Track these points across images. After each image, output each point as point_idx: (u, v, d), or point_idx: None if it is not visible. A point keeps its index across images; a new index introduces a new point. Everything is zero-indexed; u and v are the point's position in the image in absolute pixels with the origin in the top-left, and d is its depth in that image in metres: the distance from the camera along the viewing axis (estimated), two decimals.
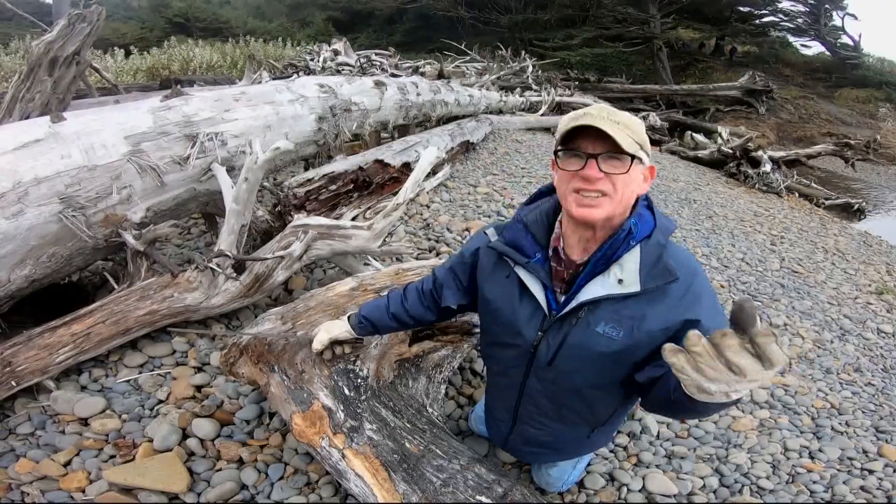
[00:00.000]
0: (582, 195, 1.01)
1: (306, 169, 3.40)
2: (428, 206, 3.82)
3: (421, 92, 5.23)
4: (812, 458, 2.14)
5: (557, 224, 1.16)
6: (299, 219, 2.19)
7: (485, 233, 1.26)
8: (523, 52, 14.55)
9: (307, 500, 1.49)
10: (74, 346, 1.70)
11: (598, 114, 0.99)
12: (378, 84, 4.27)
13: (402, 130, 5.27)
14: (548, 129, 9.07)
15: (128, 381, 1.79)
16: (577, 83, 15.62)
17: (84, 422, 1.62)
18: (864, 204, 8.97)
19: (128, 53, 13.73)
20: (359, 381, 1.45)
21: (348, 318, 1.44)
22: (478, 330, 2.00)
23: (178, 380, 1.79)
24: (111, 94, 5.75)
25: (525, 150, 6.70)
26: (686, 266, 1.06)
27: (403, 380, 1.64)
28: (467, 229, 3.50)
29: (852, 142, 10.96)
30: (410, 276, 1.86)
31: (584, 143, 1.00)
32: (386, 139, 5.00)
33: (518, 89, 11.25)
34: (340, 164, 3.12)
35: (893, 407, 2.77)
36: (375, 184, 3.24)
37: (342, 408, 1.35)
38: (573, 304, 1.08)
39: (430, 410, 1.61)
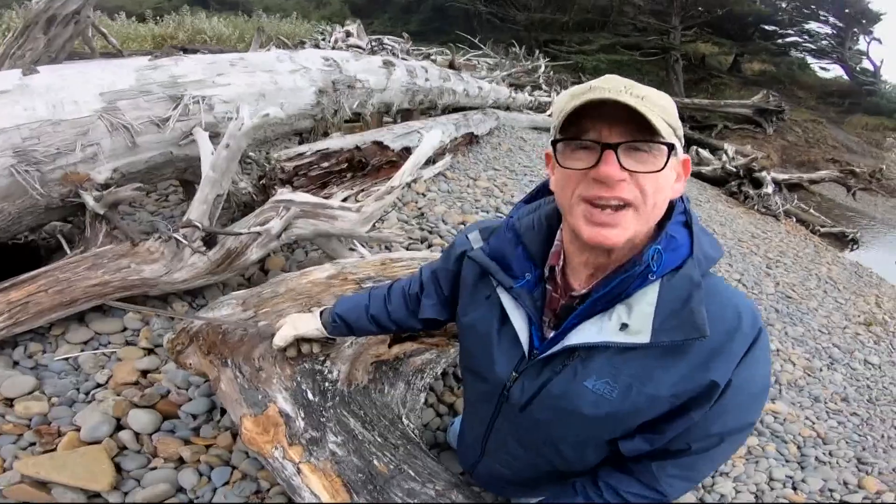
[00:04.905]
0: (595, 207, 0.72)
1: (301, 144, 3.21)
2: (424, 195, 3.64)
3: (430, 77, 5.03)
4: (795, 488, 2.12)
5: (559, 235, 0.88)
6: (283, 193, 1.99)
7: (467, 237, 0.99)
8: (537, 52, 14.33)
9: None
10: (9, 317, 1.50)
11: (612, 86, 0.70)
12: (386, 63, 4.08)
13: (406, 115, 5.07)
14: None
15: (66, 358, 1.59)
16: None
17: (9, 403, 1.42)
18: (858, 234, 9.02)
19: (142, 19, 13.52)
20: (326, 384, 1.26)
21: (321, 313, 1.22)
22: None
23: (122, 362, 1.60)
24: (115, 59, 5.50)
25: (529, 149, 6.55)
26: (726, 318, 0.77)
27: (379, 385, 1.45)
28: (463, 223, 3.33)
29: (857, 170, 10.86)
30: (398, 268, 1.66)
31: (595, 127, 0.71)
32: (388, 123, 4.81)
33: (528, 88, 11.04)
34: (336, 142, 2.94)
35: (876, 438, 2.83)
36: (371, 166, 3.04)
37: (302, 415, 1.16)
38: (557, 347, 0.82)
39: (405, 422, 1.42)
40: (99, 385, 1.54)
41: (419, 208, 3.39)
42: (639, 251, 0.78)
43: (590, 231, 0.73)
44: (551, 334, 0.85)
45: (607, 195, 0.71)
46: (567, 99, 0.73)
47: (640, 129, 0.68)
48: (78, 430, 1.36)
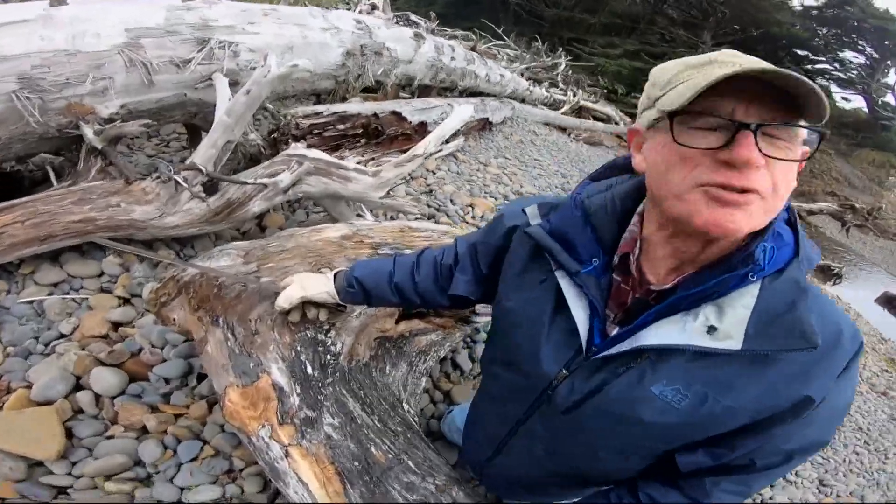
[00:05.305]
0: (720, 191, 0.59)
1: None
2: (434, 172, 3.53)
3: (455, 57, 4.94)
4: None
5: (636, 220, 0.74)
6: (296, 148, 1.84)
7: (523, 211, 0.83)
8: (560, 50, 14.10)
9: (223, 491, 1.16)
10: None
11: (744, 60, 0.58)
12: (417, 36, 3.99)
13: (423, 93, 4.93)
14: (563, 129, 8.95)
15: (31, 302, 1.42)
16: (604, 91, 15.26)
17: None
18: (843, 270, 9.17)
19: None
20: (328, 357, 1.12)
21: (335, 275, 1.07)
22: (478, 319, 1.69)
23: (93, 311, 1.42)
24: None
25: (539, 143, 6.52)
26: (827, 328, 0.65)
27: (380, 363, 1.32)
28: (471, 205, 3.25)
29: (857, 206, 10.85)
30: (417, 237, 1.52)
31: (728, 103, 0.57)
32: (405, 98, 4.69)
33: (545, 84, 10.84)
34: (355, 107, 2.84)
35: (838, 462, 3.00)
36: (386, 135, 2.90)
37: (298, 390, 1.02)
38: (626, 345, 0.69)
39: (405, 407, 1.30)
40: (62, 336, 1.37)
41: (428, 185, 3.28)
42: (738, 246, 0.65)
43: (712, 216, 0.59)
44: (615, 330, 0.72)
45: (737, 183, 0.57)
46: (681, 68, 0.60)
47: (787, 110, 0.55)
48: (29, 387, 1.20)
